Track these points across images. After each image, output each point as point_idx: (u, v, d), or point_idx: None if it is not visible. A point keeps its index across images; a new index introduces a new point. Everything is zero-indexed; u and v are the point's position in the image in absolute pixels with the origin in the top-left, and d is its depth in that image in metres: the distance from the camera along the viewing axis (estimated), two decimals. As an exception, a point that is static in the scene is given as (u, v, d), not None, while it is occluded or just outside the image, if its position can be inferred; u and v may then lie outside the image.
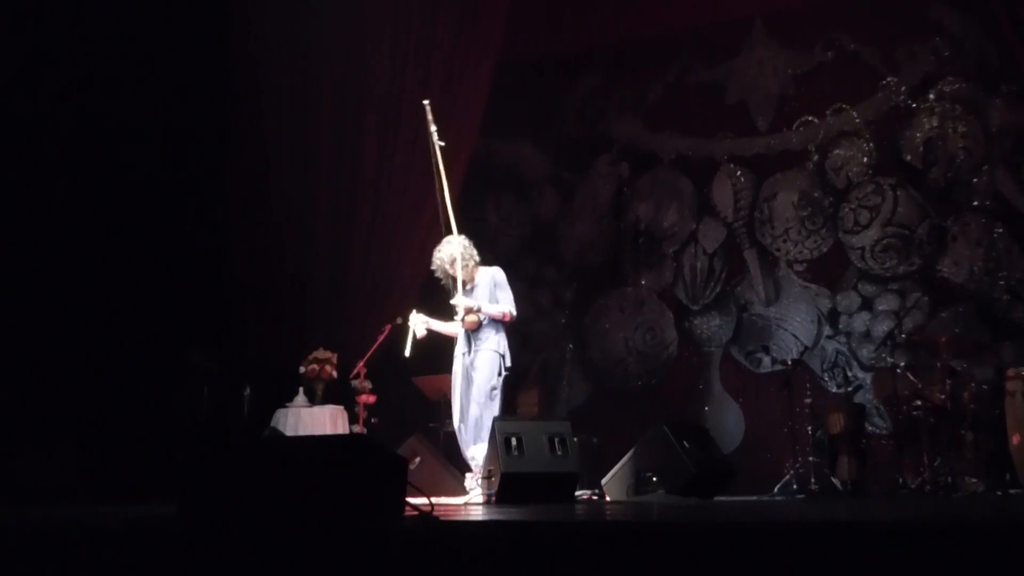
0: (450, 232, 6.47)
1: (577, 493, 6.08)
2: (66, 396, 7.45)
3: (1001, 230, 8.25)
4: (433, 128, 6.65)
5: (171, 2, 8.38)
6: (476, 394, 6.24)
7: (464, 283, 6.38)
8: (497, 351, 6.34)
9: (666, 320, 9.40)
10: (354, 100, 9.19)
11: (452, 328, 6.54)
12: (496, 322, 6.39)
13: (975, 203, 8.36)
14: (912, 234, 8.54)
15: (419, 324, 6.47)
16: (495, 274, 6.52)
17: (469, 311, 6.27)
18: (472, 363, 6.32)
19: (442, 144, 6.63)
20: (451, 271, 6.42)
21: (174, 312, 8.20)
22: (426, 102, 6.79)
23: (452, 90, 8.83)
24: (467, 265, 6.43)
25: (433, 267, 6.57)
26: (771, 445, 8.48)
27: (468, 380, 6.30)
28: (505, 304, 6.39)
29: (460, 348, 6.42)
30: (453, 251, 6.39)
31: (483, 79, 8.81)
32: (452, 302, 6.42)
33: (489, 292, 6.43)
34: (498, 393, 6.31)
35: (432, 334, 6.58)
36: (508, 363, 6.39)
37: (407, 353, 6.47)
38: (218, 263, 9.09)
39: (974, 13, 8.39)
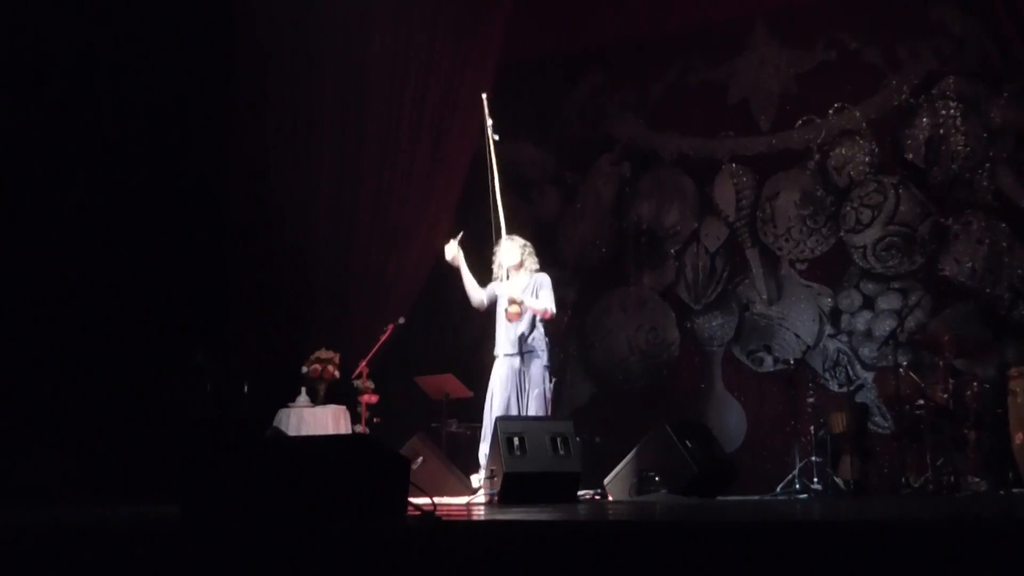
0: (499, 228, 6.60)
1: (579, 493, 6.08)
2: (69, 396, 7.45)
3: (1002, 228, 8.23)
4: (490, 122, 6.67)
5: (174, 3, 8.38)
6: (532, 401, 6.43)
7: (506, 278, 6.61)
8: (545, 357, 6.55)
9: (668, 320, 9.39)
10: (356, 100, 9.19)
11: (472, 287, 6.75)
12: (542, 331, 6.58)
13: (977, 201, 8.35)
14: (914, 233, 8.53)
15: (454, 253, 6.67)
16: (542, 278, 6.72)
17: (512, 301, 6.41)
18: (525, 370, 6.50)
19: (496, 138, 6.65)
20: (509, 267, 6.64)
21: (176, 312, 8.20)
22: (484, 95, 6.85)
23: (453, 90, 8.84)
24: (527, 267, 6.69)
25: (498, 255, 6.74)
26: (773, 444, 8.48)
27: (519, 384, 6.46)
28: (546, 301, 6.57)
29: (503, 350, 6.59)
30: (519, 250, 6.65)
31: (485, 79, 8.80)
32: (503, 289, 6.56)
33: (534, 292, 6.62)
34: (550, 399, 6.53)
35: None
36: (548, 363, 6.59)
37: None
38: (220, 264, 9.09)
39: (976, 12, 8.37)
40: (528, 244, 6.78)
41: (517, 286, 6.58)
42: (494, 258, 6.78)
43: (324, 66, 9.30)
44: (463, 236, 6.73)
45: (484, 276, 6.87)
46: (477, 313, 7.03)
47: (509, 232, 6.67)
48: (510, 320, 6.47)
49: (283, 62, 9.38)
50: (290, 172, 9.28)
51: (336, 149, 9.21)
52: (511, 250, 6.63)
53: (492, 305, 6.79)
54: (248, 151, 9.36)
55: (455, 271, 6.82)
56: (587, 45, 9.94)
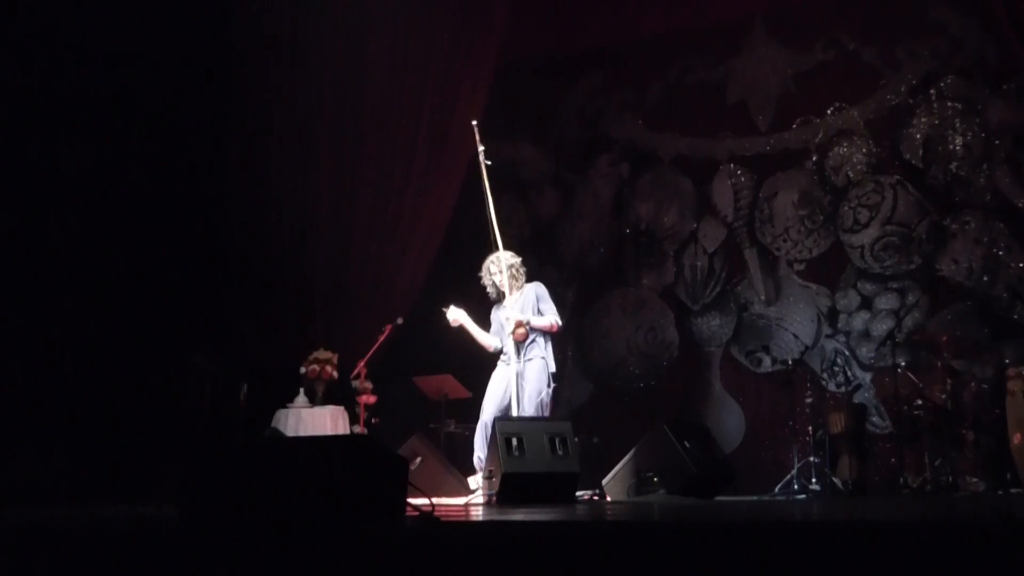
0: (496, 247, 6.64)
1: (578, 493, 6.07)
2: (67, 396, 7.45)
3: (1000, 228, 8.24)
4: (481, 148, 6.73)
5: (173, 3, 8.38)
6: (527, 405, 6.41)
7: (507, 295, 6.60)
8: (545, 361, 6.52)
9: (667, 320, 9.39)
10: (354, 100, 9.19)
11: (485, 338, 6.75)
12: (543, 335, 6.58)
13: (975, 201, 8.36)
14: (911, 232, 8.54)
15: (455, 315, 6.68)
16: (537, 289, 6.73)
17: (520, 324, 6.42)
18: (522, 373, 6.48)
19: (489, 163, 6.69)
20: (500, 285, 6.63)
21: (175, 313, 8.20)
22: (474, 123, 6.93)
23: (452, 90, 8.83)
24: (517, 280, 6.67)
25: (483, 279, 6.78)
26: (772, 445, 8.49)
27: (516, 388, 6.46)
28: (550, 316, 6.59)
29: (506, 355, 6.61)
30: (504, 266, 6.60)
31: (483, 79, 8.80)
32: (504, 315, 6.57)
33: (533, 306, 6.62)
34: (548, 404, 6.51)
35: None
36: (553, 369, 6.58)
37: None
38: (219, 264, 9.08)
39: (974, 12, 8.39)
40: (515, 259, 6.77)
41: (516, 306, 6.58)
42: (481, 275, 6.79)
43: (323, 66, 9.29)
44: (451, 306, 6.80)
45: (475, 285, 6.90)
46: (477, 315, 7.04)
47: (506, 236, 6.68)
48: (517, 341, 6.49)
49: (282, 62, 9.37)
50: (289, 172, 9.27)
51: (335, 149, 9.21)
52: (502, 273, 6.63)
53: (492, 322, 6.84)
54: (246, 151, 9.36)
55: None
56: (586, 45, 9.95)
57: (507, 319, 6.52)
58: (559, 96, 10.09)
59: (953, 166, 8.47)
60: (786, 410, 8.07)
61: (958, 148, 8.46)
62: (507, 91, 9.32)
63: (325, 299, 9.01)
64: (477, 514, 4.36)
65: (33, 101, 7.75)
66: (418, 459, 6.92)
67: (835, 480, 7.46)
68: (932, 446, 7.15)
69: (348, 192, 9.14)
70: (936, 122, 8.58)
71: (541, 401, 6.46)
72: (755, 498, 7.14)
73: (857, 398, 8.20)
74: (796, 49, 9.18)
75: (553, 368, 6.59)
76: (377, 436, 7.62)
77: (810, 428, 7.77)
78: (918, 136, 8.64)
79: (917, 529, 2.35)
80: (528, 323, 6.47)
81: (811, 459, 7.58)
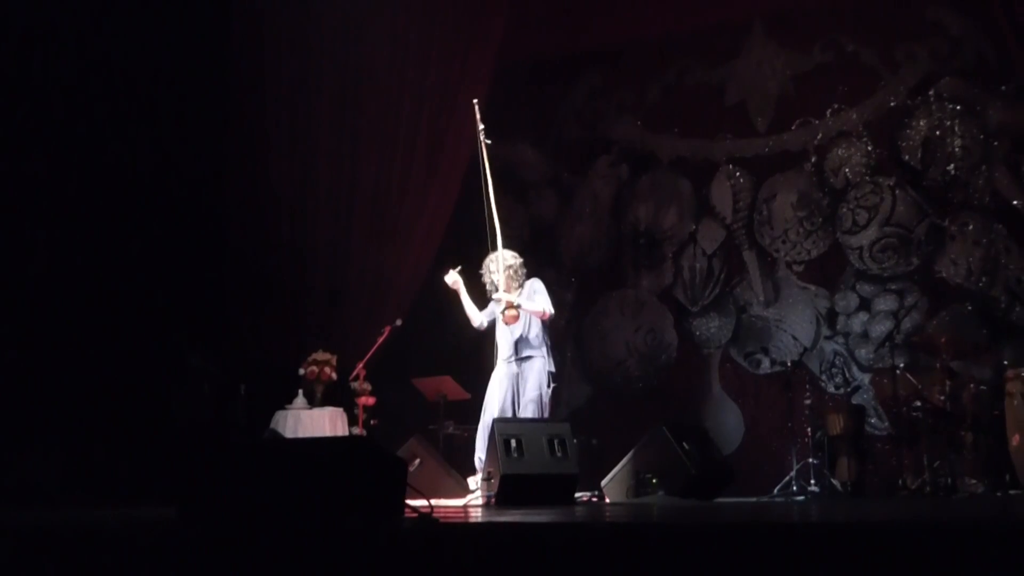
0: (495, 243, 6.67)
1: (577, 495, 6.08)
2: (66, 398, 7.44)
3: (999, 229, 8.23)
4: (481, 127, 6.72)
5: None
6: (527, 405, 6.45)
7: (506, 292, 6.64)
8: (544, 361, 6.56)
9: (666, 321, 9.39)
10: (354, 100, 9.19)
11: (472, 311, 6.77)
12: (541, 336, 6.60)
13: (974, 203, 8.36)
14: (910, 234, 8.54)
15: (454, 279, 6.72)
16: (534, 284, 6.77)
17: (510, 305, 6.46)
18: (521, 374, 6.53)
19: (488, 142, 6.69)
20: (498, 284, 6.67)
21: (174, 314, 8.19)
22: (475, 101, 6.92)
23: (451, 90, 8.84)
24: (515, 281, 6.71)
25: (483, 277, 6.81)
26: (770, 446, 8.48)
27: (516, 388, 6.49)
28: (542, 303, 6.59)
29: (504, 354, 6.63)
30: (502, 266, 6.65)
31: (482, 80, 8.81)
32: (495, 297, 6.64)
33: (528, 298, 6.66)
34: (547, 404, 6.53)
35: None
36: (552, 368, 6.61)
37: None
38: (218, 264, 9.08)
39: (972, 13, 8.39)
40: (516, 259, 6.79)
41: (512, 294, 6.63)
42: (483, 273, 6.81)
43: (322, 66, 9.29)
44: (462, 268, 6.79)
45: (477, 282, 6.91)
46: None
47: (505, 237, 6.69)
48: (507, 324, 6.51)
49: (281, 61, 9.37)
50: (287, 173, 9.27)
51: (333, 150, 9.21)
52: (499, 273, 6.65)
53: (493, 324, 6.81)
54: (245, 152, 9.36)
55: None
56: (585, 47, 9.95)
57: (497, 300, 6.55)
58: (558, 97, 10.09)
59: (952, 167, 8.47)
60: (785, 411, 8.07)
61: (957, 150, 8.46)
62: (506, 92, 9.31)
63: (324, 300, 9.01)
64: (476, 515, 4.36)
65: (32, 101, 7.75)
66: (417, 460, 6.93)
67: (834, 481, 7.46)
68: (931, 448, 7.15)
69: (347, 192, 9.14)
70: (935, 123, 8.58)
71: (541, 401, 6.46)
72: (754, 499, 7.14)
73: (856, 399, 8.21)
74: (795, 50, 9.18)
75: (552, 368, 6.60)
76: (376, 438, 7.62)
77: (809, 429, 7.77)
78: (917, 137, 8.64)
79: (915, 531, 2.35)
80: (519, 306, 6.48)
81: (810, 460, 7.58)
